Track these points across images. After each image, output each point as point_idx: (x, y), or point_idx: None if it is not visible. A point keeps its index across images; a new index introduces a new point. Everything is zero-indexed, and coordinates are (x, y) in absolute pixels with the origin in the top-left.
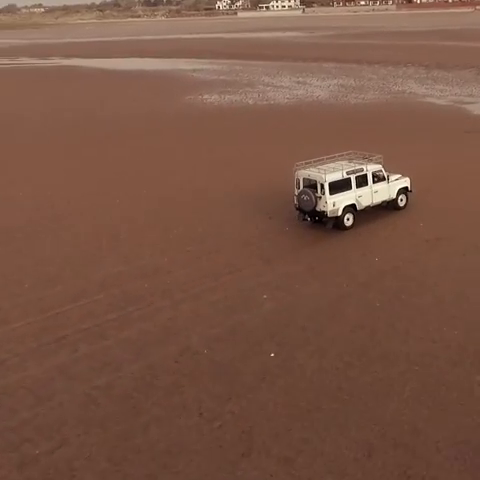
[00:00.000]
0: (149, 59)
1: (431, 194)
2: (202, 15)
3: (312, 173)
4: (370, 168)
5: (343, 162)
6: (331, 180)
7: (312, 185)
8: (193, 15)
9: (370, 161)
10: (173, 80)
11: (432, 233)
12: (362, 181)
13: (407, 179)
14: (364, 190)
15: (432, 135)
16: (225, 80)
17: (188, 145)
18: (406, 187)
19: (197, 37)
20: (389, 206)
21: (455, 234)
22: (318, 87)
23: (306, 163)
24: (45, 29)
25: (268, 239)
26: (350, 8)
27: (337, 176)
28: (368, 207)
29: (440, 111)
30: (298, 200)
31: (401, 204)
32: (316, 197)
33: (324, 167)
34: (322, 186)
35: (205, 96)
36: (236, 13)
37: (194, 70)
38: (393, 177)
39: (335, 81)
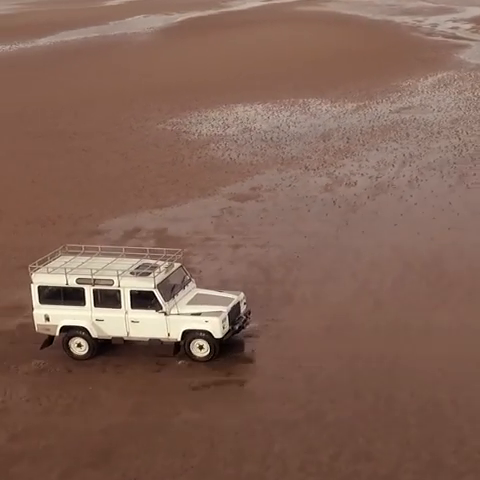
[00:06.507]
0: None
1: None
2: None
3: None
4: (129, 284)
5: (120, 261)
6: (42, 283)
7: None
8: None
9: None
10: None
11: None
12: (108, 299)
13: (215, 320)
14: (111, 313)
15: None
16: None
17: None
18: (207, 332)
19: None
20: (178, 350)
21: None
22: None
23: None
24: None
25: None
26: None
27: (55, 280)
28: (120, 340)
29: None
30: None
31: (199, 354)
32: None
33: (56, 263)
34: None
35: None
36: None
37: None
38: (188, 308)
39: None
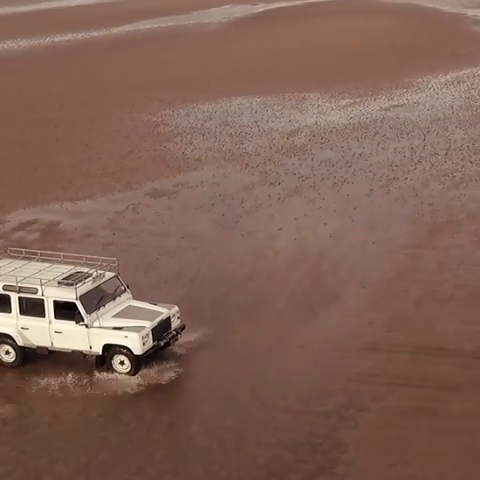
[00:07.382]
0: None
1: None
2: None
3: None
4: (52, 293)
5: (54, 268)
6: None
7: None
8: None
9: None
10: None
11: None
12: (33, 308)
13: (134, 335)
14: (35, 322)
15: None
16: None
17: None
18: (127, 348)
19: None
20: (102, 364)
21: None
22: None
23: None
24: None
25: None
26: None
27: None
28: (44, 349)
29: None
30: None
31: (121, 369)
32: None
33: None
34: None
35: None
36: None
37: None
38: (111, 322)
39: None
